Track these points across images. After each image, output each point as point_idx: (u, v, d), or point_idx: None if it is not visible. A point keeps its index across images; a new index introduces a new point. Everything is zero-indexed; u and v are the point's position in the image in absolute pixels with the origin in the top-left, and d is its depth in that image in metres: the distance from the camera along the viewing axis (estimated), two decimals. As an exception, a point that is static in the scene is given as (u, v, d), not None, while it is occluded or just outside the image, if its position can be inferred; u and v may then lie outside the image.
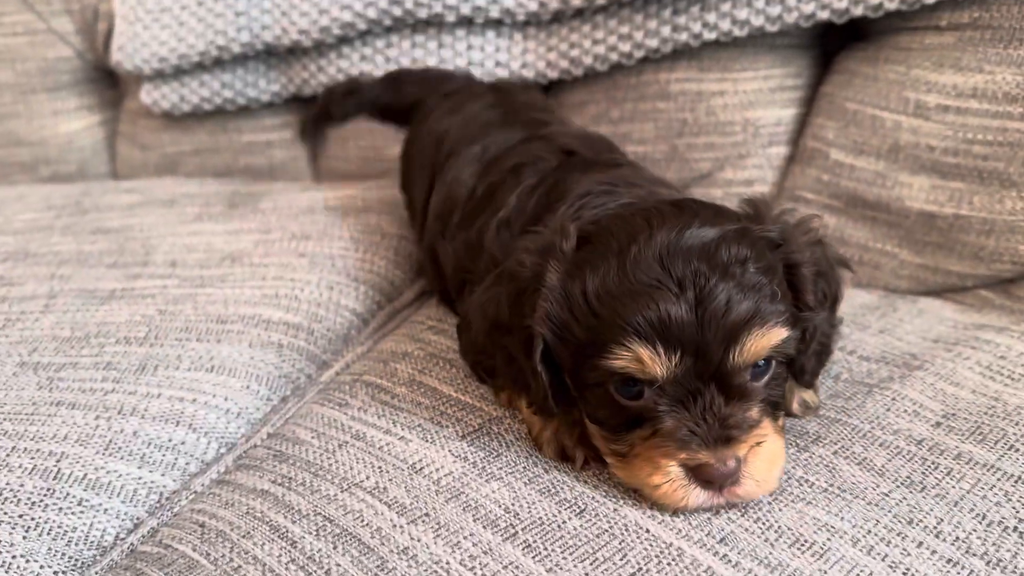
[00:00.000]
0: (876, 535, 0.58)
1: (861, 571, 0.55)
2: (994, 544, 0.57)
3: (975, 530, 0.58)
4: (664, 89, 1.10)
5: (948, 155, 0.94)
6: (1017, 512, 0.60)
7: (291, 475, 0.69)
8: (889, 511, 0.60)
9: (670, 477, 0.57)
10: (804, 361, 0.65)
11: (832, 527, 0.58)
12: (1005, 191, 0.92)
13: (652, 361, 0.56)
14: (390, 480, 0.66)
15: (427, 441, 0.70)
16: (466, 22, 1.17)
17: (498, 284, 0.66)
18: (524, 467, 0.66)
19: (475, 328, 0.68)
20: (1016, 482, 0.62)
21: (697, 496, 0.58)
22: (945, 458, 0.65)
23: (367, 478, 0.67)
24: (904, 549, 0.57)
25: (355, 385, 0.81)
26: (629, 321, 0.56)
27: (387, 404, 0.76)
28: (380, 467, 0.67)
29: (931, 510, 0.60)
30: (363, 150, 1.29)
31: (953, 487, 0.62)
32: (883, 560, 0.56)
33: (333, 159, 1.33)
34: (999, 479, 0.63)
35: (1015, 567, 0.56)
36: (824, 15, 0.98)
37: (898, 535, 0.58)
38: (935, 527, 0.59)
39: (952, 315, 0.89)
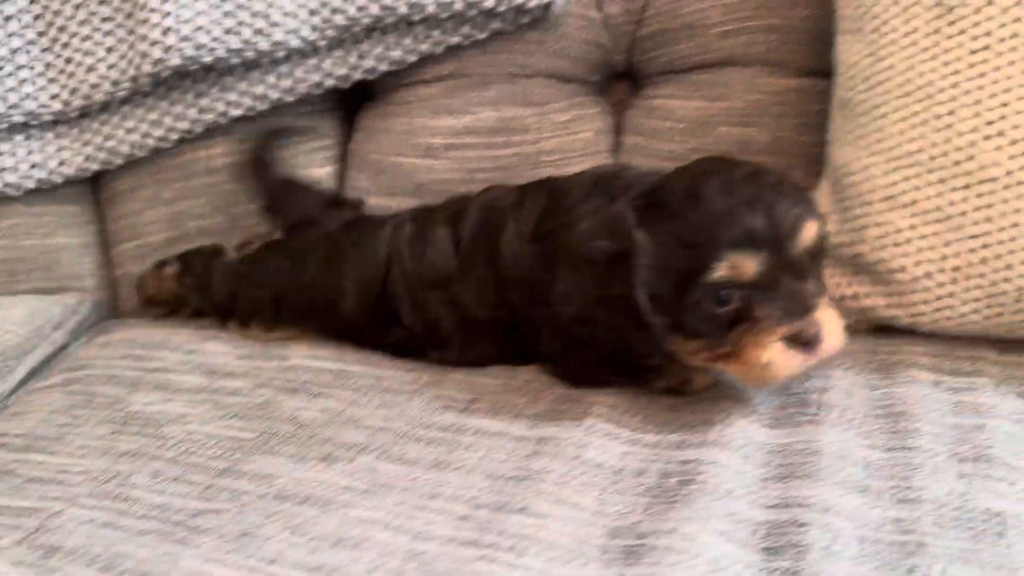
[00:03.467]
0: (404, 515, 0.68)
1: (391, 547, 0.64)
2: (498, 493, 0.70)
3: (484, 486, 0.71)
4: (208, 165, 1.16)
5: (460, 185, 1.10)
6: (517, 464, 0.73)
7: None
8: (416, 492, 0.71)
9: (777, 350, 0.71)
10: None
11: (367, 519, 0.68)
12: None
13: (747, 264, 0.70)
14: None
15: (-21, 560, 0.68)
16: (-11, 129, 1.13)
17: (576, 273, 0.78)
18: (89, 552, 0.67)
19: (566, 316, 0.79)
20: (516, 440, 0.77)
21: (799, 360, 0.71)
22: (465, 435, 0.78)
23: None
24: (427, 519, 0.67)
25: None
26: (724, 240, 0.70)
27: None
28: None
29: (451, 481, 0.72)
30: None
31: (470, 458, 0.75)
32: (408, 533, 0.66)
33: None
34: (505, 442, 0.77)
35: (524, 507, 0.68)
36: (330, 82, 1.11)
37: (422, 509, 0.68)
38: (453, 494, 0.70)
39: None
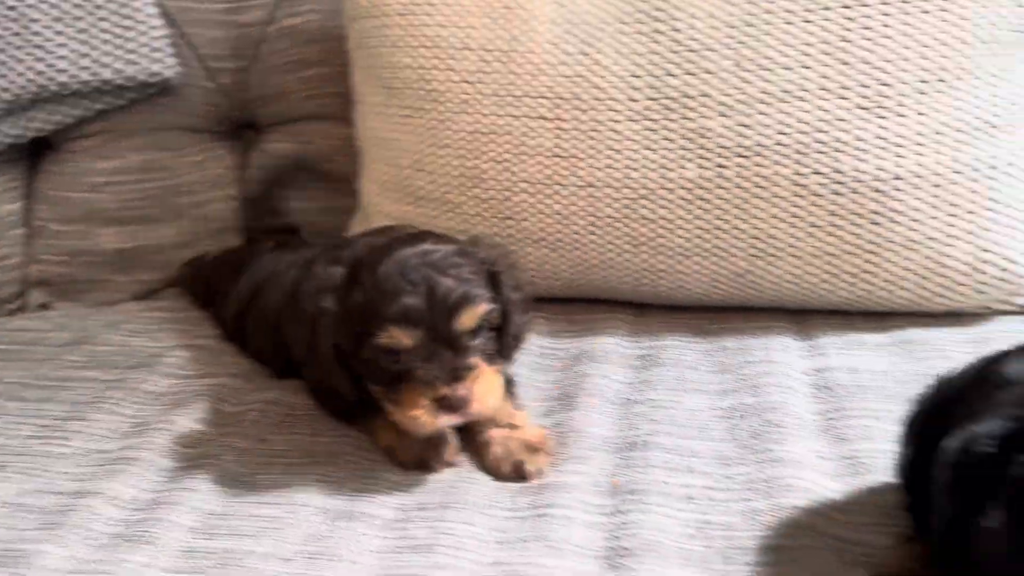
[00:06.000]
0: (10, 422, 1.06)
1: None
2: (71, 409, 1.09)
3: (67, 408, 1.10)
4: (-81, 205, 1.49)
5: (121, 211, 1.49)
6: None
7: None
8: (22, 412, 1.09)
9: (423, 408, 0.84)
10: (506, 340, 0.93)
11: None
12: (157, 225, 1.50)
13: (401, 336, 0.84)
14: None
15: None
16: None
17: (298, 323, 0.95)
18: None
19: (295, 357, 1.00)
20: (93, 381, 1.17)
21: (443, 419, 0.84)
22: (71, 383, 1.17)
23: None
24: (22, 424, 1.06)
25: None
26: (384, 314, 0.84)
27: None
28: None
29: (49, 408, 1.10)
30: None
31: (67, 395, 1.13)
32: (7, 435, 1.05)
33: None
34: (91, 384, 1.16)
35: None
36: (9, 140, 1.46)
37: (22, 420, 1.07)
38: (45, 413, 1.09)
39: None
